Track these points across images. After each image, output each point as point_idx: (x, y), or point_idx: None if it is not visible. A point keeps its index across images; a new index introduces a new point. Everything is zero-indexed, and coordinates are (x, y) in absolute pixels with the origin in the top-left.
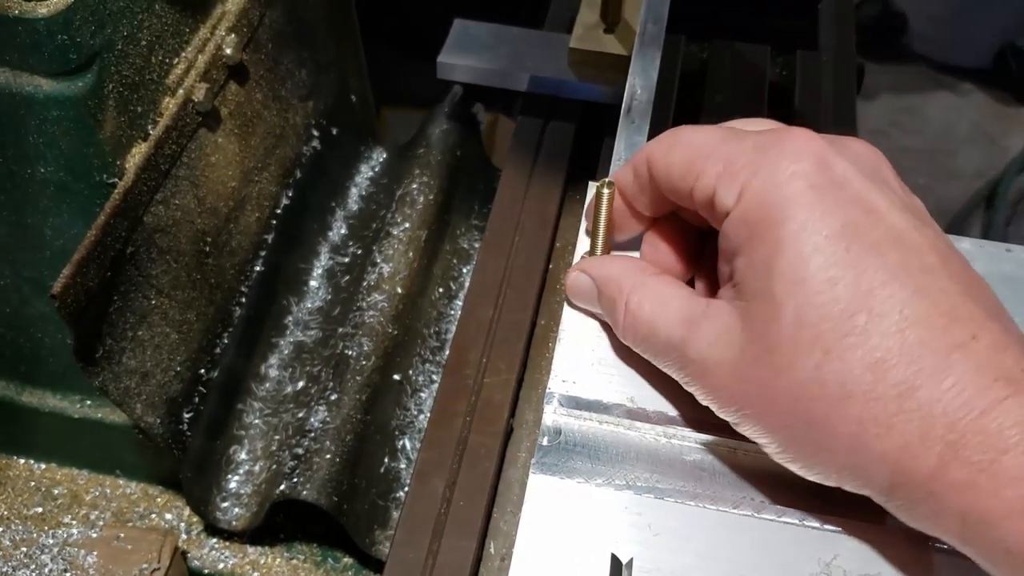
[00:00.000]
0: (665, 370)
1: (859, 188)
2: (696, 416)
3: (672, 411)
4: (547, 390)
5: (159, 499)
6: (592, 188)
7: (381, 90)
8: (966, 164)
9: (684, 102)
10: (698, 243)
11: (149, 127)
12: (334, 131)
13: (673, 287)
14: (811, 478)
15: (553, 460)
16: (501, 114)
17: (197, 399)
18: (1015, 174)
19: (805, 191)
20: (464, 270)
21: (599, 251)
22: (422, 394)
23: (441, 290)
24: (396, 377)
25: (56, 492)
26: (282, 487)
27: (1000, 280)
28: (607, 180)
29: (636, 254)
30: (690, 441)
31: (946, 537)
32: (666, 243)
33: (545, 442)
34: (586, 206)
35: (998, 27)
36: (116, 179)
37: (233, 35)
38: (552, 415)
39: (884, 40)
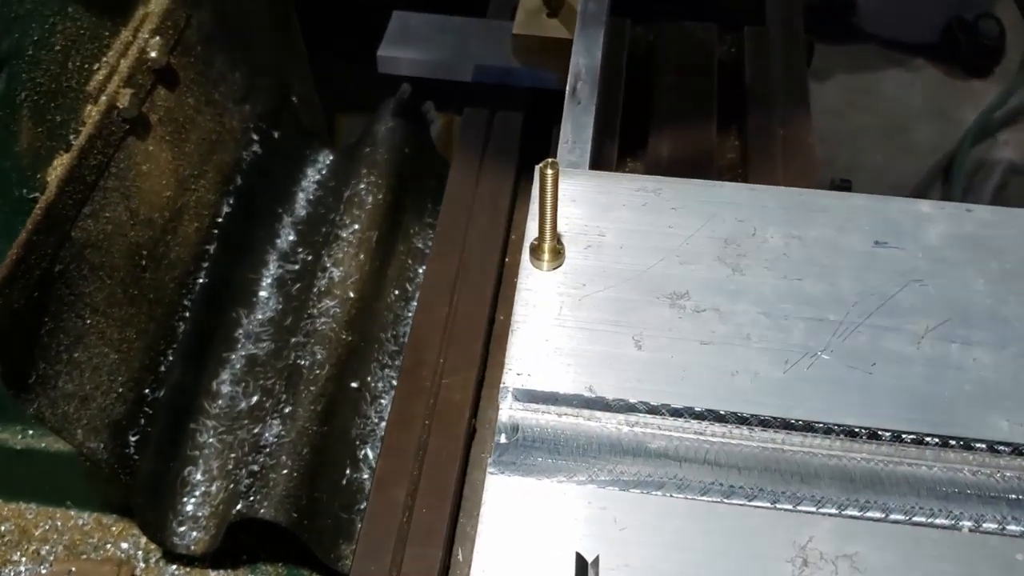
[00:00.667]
0: None
1: None
2: (658, 401)
3: (633, 398)
4: (502, 385)
5: (114, 528)
6: (537, 170)
7: (337, 96)
8: (921, 139)
9: (634, 86)
10: None
11: (71, 137)
12: (275, 134)
13: None
14: None
15: (511, 458)
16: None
17: (143, 420)
18: (969, 146)
19: None
20: (420, 270)
21: (547, 236)
22: (382, 401)
23: (397, 292)
24: (354, 385)
25: (3, 529)
26: (239, 506)
27: (963, 241)
28: (550, 160)
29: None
30: (653, 428)
31: None
32: None
33: (502, 440)
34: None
35: (944, 1)
36: (37, 193)
37: (158, 37)
38: (508, 411)
39: (834, 20)
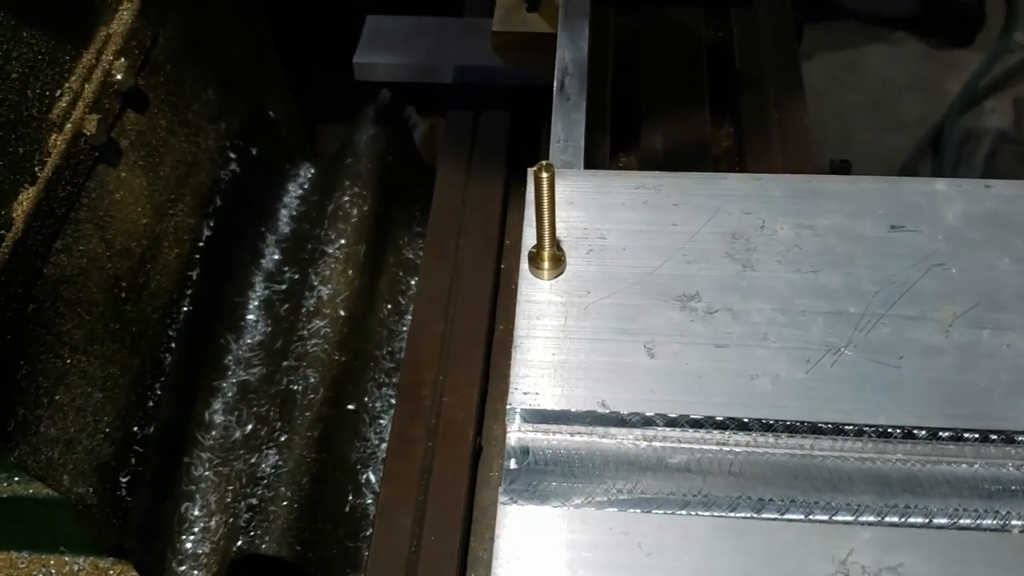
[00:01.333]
0: None
1: None
2: (676, 412)
3: (649, 410)
4: (508, 406)
5: (111, 572)
6: (531, 173)
7: (316, 106)
8: (909, 113)
9: (622, 77)
10: None
11: (37, 169)
12: (253, 151)
13: None
14: None
15: (524, 485)
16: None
17: (133, 460)
18: (956, 117)
19: None
20: (412, 282)
21: (546, 243)
22: (382, 421)
23: (390, 307)
24: (350, 407)
25: None
26: (240, 542)
27: (983, 218)
28: (544, 163)
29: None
30: (672, 441)
31: None
32: None
33: (512, 465)
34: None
35: None
36: (2, 231)
37: (123, 59)
38: (516, 434)
39: None
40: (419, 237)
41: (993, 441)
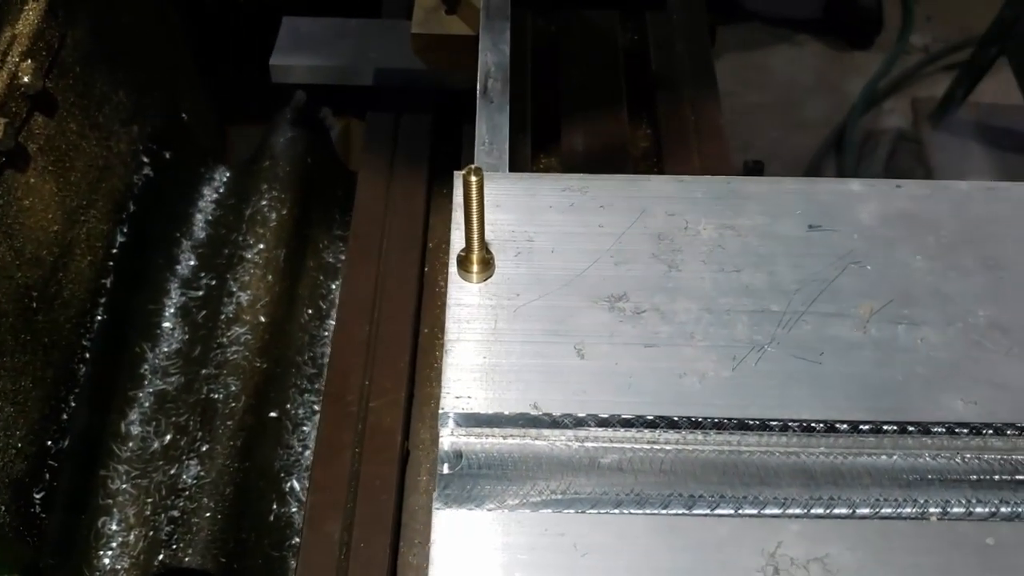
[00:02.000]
0: None
1: None
2: (607, 412)
3: (580, 411)
4: (440, 411)
5: None
6: (457, 177)
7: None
8: (813, 113)
9: (540, 79)
10: None
11: None
12: (167, 155)
13: None
14: None
15: (458, 489)
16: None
17: (48, 475)
18: (858, 117)
19: None
20: (333, 286)
21: (475, 246)
22: (305, 428)
23: (310, 311)
24: (273, 415)
25: None
26: (161, 556)
27: (896, 218)
28: (472, 167)
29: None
30: (604, 441)
31: None
32: None
33: (446, 470)
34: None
35: None
36: None
37: (29, 60)
38: (450, 438)
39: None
40: (339, 240)
41: (911, 432)
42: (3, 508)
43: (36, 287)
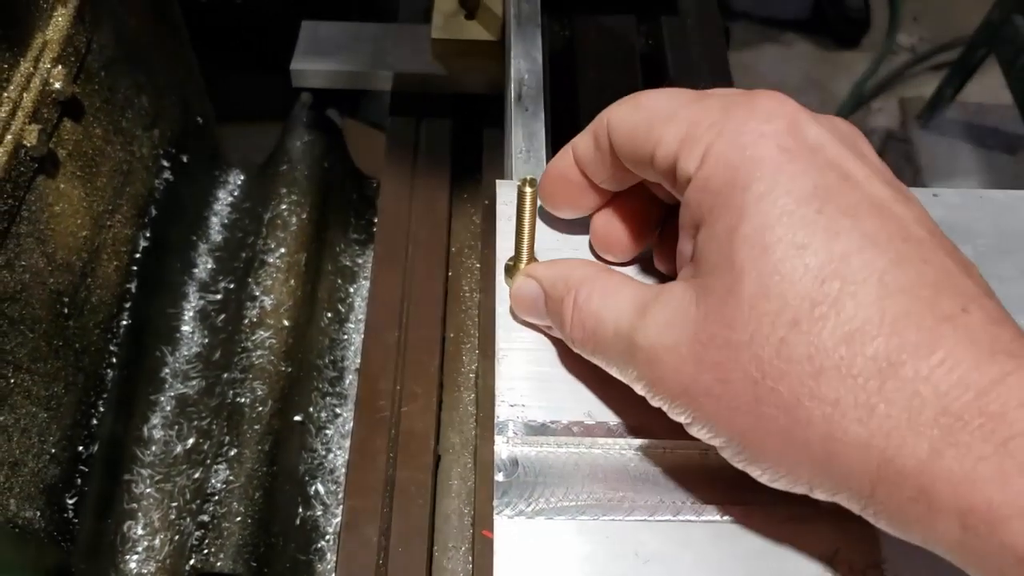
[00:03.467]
0: (615, 373)
1: (835, 154)
2: (662, 422)
3: (635, 420)
4: (496, 419)
5: None
6: (501, 186)
7: (230, 109)
8: None
9: (557, 84)
10: (660, 221)
11: None
12: (184, 158)
13: (625, 279)
14: (776, 484)
15: (515, 497)
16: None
17: (80, 480)
18: (846, 116)
19: (774, 153)
20: (351, 289)
21: (524, 256)
22: (327, 431)
23: (330, 315)
24: (297, 418)
25: None
26: (192, 560)
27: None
28: (528, 178)
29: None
30: (658, 449)
31: (941, 547)
32: (623, 219)
33: (501, 478)
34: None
35: None
36: None
37: (60, 66)
38: (506, 446)
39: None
40: (355, 243)
41: None
42: (39, 514)
43: (67, 293)
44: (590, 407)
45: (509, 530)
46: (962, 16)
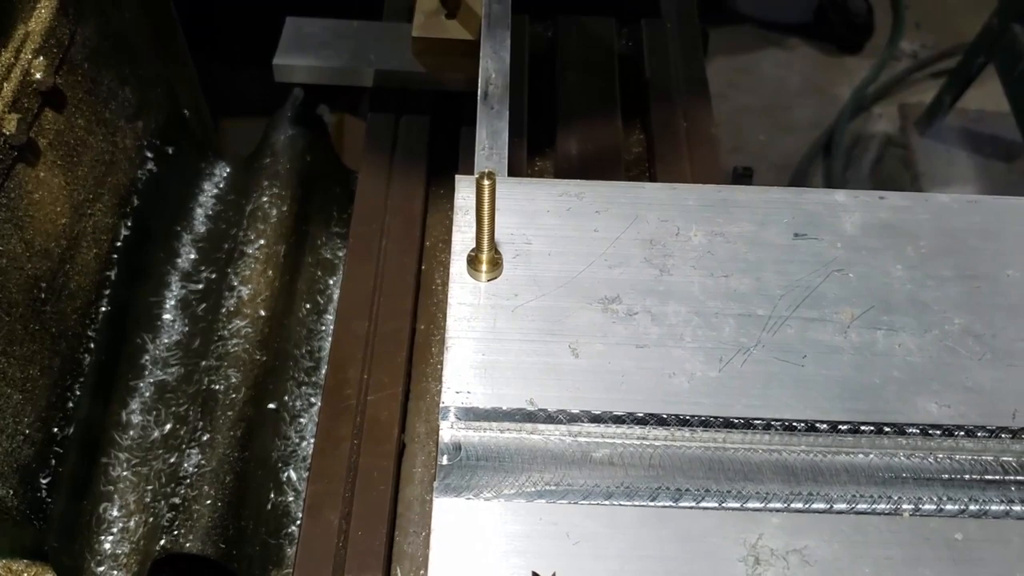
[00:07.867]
0: None
1: None
2: (600, 409)
3: (574, 407)
4: (441, 404)
5: (25, 574)
6: (460, 181)
7: (221, 103)
8: (801, 117)
9: (537, 83)
10: None
11: None
12: (169, 150)
13: None
14: None
15: (456, 479)
16: (347, 113)
17: (54, 461)
18: (846, 121)
19: None
20: (330, 281)
21: (485, 247)
22: (301, 420)
23: (308, 306)
24: (271, 406)
25: None
26: (163, 541)
27: (879, 228)
28: (486, 171)
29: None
30: (596, 437)
31: None
32: None
33: (445, 461)
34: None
35: None
36: None
37: (42, 57)
38: (449, 431)
39: (711, 4)
40: (336, 237)
41: (887, 433)
42: (11, 492)
43: (45, 278)
44: (533, 395)
45: (447, 511)
46: (965, 23)
